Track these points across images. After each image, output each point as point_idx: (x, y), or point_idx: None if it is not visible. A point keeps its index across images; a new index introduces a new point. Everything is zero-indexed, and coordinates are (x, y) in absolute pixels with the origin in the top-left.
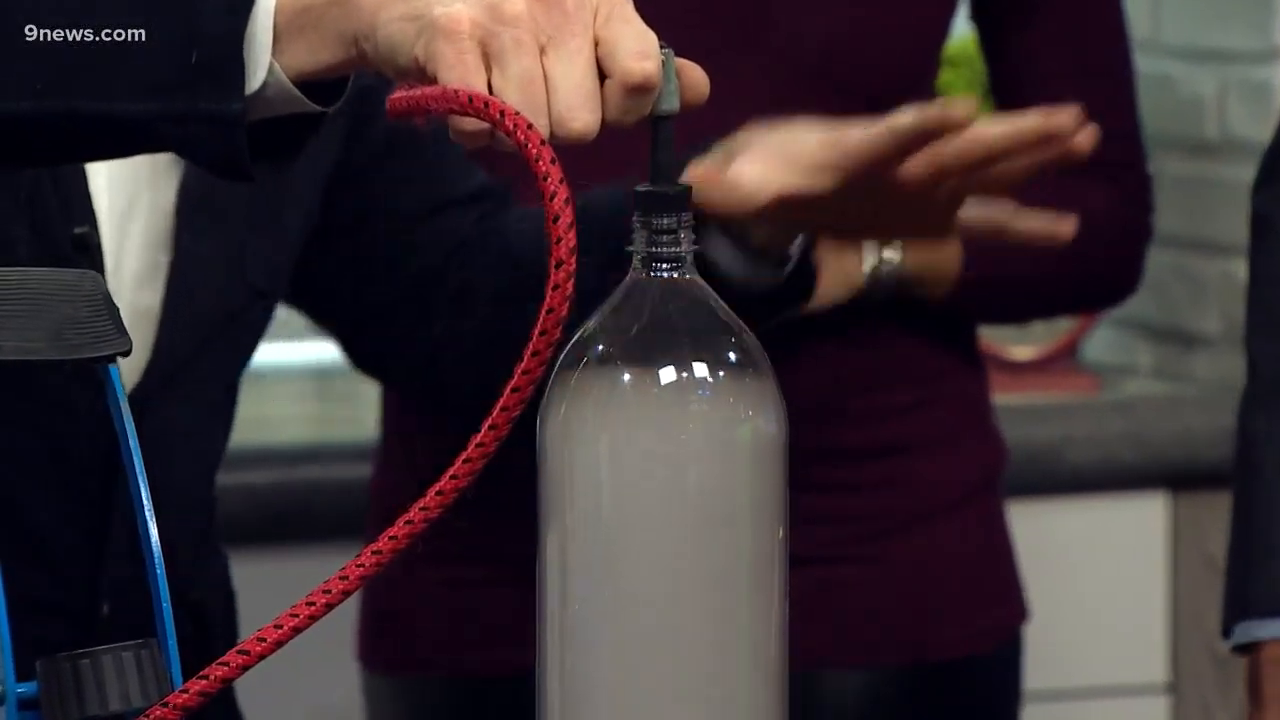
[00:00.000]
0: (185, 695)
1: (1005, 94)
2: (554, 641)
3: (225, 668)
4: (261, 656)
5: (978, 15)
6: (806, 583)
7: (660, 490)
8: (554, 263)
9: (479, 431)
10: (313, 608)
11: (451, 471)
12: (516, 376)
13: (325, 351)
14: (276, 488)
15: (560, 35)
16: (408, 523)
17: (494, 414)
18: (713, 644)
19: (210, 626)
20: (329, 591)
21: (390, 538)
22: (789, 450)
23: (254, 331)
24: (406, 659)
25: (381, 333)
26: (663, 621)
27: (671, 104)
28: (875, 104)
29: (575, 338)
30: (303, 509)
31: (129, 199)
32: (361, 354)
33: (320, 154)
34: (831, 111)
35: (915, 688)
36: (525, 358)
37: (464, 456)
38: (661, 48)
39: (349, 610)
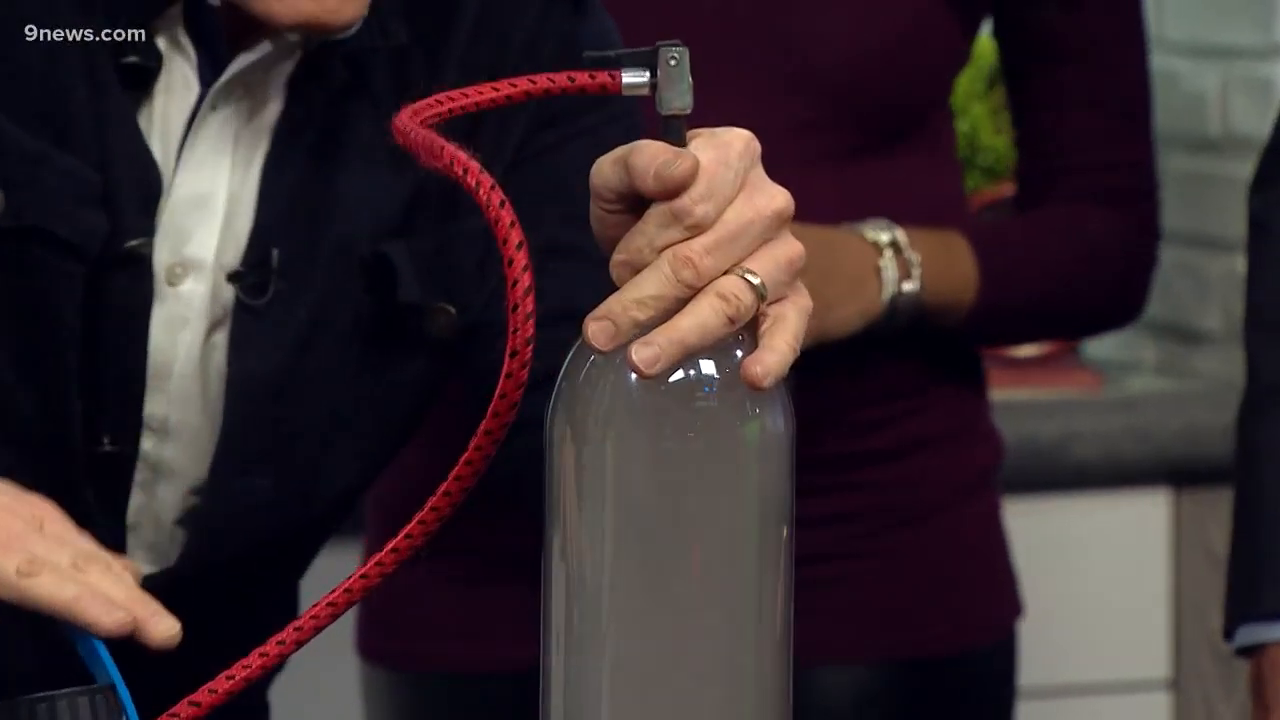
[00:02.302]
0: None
1: (1022, 114)
2: (558, 637)
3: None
4: (230, 693)
5: (999, 34)
6: (802, 580)
7: (667, 488)
8: (509, 351)
9: (435, 495)
10: (282, 646)
11: (391, 545)
12: (469, 451)
13: None
14: None
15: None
16: (348, 590)
17: (438, 496)
18: (717, 641)
19: None
20: (283, 642)
21: (329, 604)
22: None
23: (311, 547)
24: (406, 653)
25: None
26: (667, 618)
27: (684, 102)
28: (891, 124)
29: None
30: None
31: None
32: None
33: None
34: (848, 130)
35: (911, 683)
36: (479, 435)
37: (406, 531)
38: (675, 47)
39: None
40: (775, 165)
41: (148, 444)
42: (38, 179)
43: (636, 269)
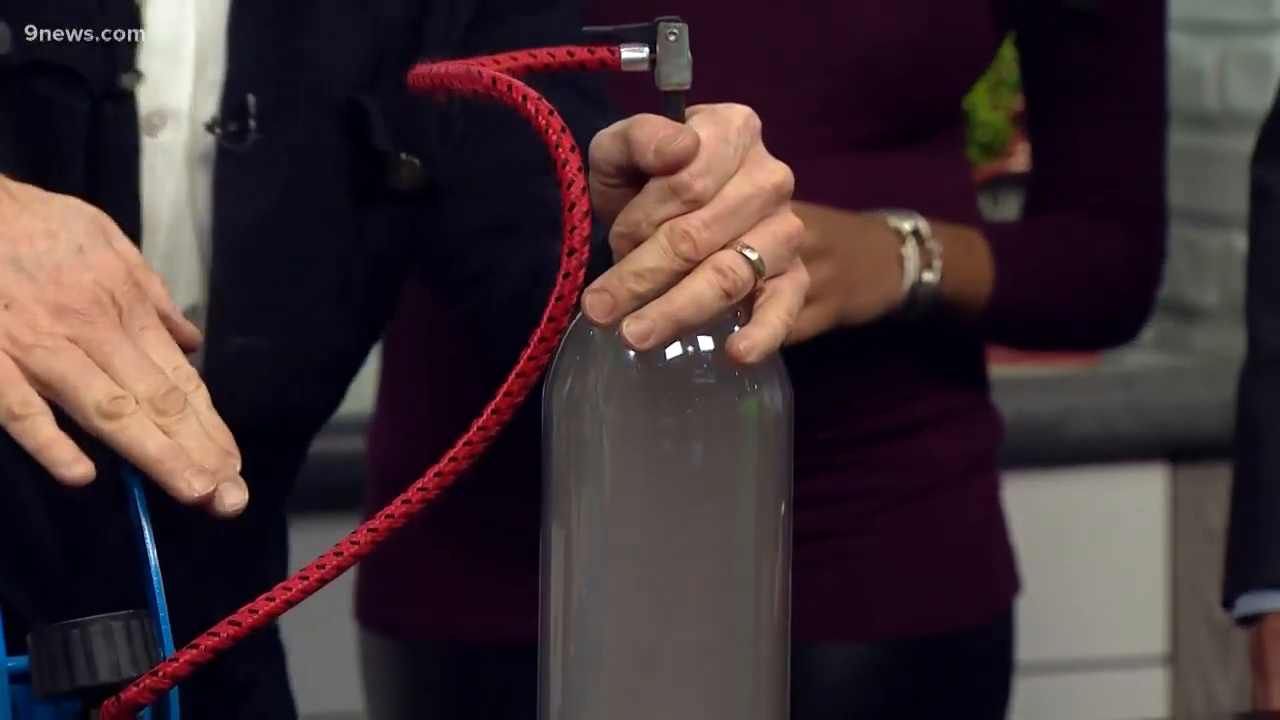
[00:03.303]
0: (175, 664)
1: (1039, 127)
2: (556, 611)
3: (216, 638)
4: (253, 628)
5: (1022, 54)
6: (803, 558)
7: (665, 464)
8: (566, 250)
9: (480, 415)
10: (305, 581)
11: (451, 454)
12: (522, 362)
13: None
14: None
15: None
16: (405, 502)
17: (497, 398)
18: (715, 618)
19: None
20: (323, 566)
21: (387, 515)
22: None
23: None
24: (404, 623)
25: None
26: (664, 593)
27: (683, 77)
28: (910, 117)
29: (581, 312)
30: (299, 481)
31: None
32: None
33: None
34: (866, 121)
35: (909, 661)
36: (532, 344)
37: (465, 439)
38: (674, 22)
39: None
40: (790, 152)
41: None
42: (42, 14)
43: (635, 242)
